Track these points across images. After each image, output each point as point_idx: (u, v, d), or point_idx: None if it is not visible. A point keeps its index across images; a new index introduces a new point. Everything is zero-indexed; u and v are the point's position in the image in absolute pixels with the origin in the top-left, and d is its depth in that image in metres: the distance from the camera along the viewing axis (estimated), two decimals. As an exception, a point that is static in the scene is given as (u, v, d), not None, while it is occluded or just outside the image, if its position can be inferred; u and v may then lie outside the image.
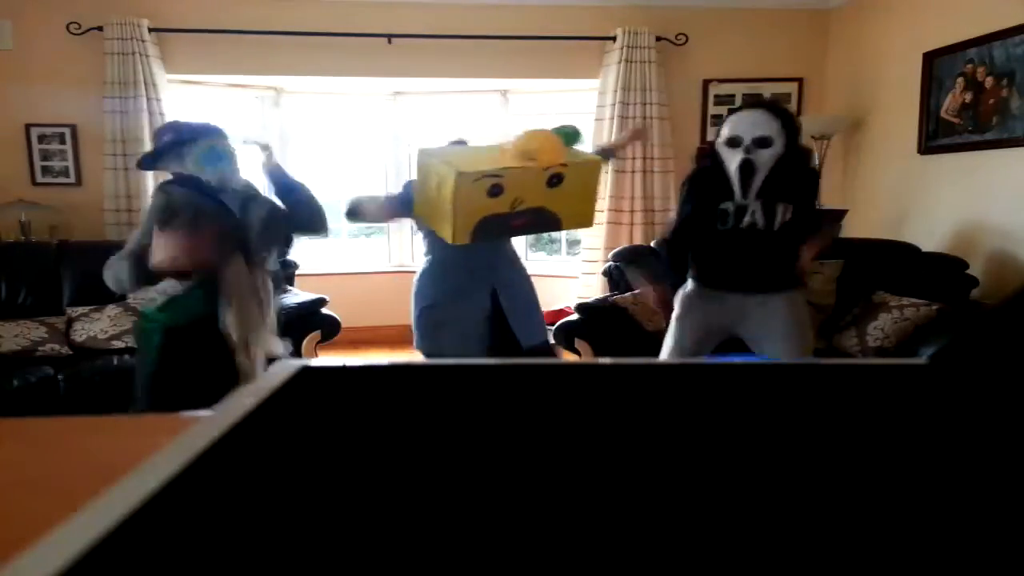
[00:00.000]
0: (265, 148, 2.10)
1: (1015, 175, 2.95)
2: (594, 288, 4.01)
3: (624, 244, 3.96)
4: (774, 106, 2.00)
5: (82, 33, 3.80)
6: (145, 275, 1.84)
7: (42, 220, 3.78)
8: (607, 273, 3.67)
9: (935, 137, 3.39)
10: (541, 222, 2.07)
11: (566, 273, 4.51)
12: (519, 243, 2.64)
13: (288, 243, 2.36)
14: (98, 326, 3.14)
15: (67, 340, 3.12)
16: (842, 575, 0.33)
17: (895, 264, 3.12)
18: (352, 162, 4.89)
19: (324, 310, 3.37)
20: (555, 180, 1.98)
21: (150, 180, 3.84)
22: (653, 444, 0.42)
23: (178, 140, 1.92)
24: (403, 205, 2.29)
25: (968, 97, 3.17)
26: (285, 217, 2.08)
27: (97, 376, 2.88)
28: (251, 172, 2.11)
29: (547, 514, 0.37)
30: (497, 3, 4.10)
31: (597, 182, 2.15)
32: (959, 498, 0.37)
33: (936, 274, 2.99)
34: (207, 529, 0.29)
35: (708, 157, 2.10)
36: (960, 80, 3.21)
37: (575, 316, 3.24)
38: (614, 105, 4.05)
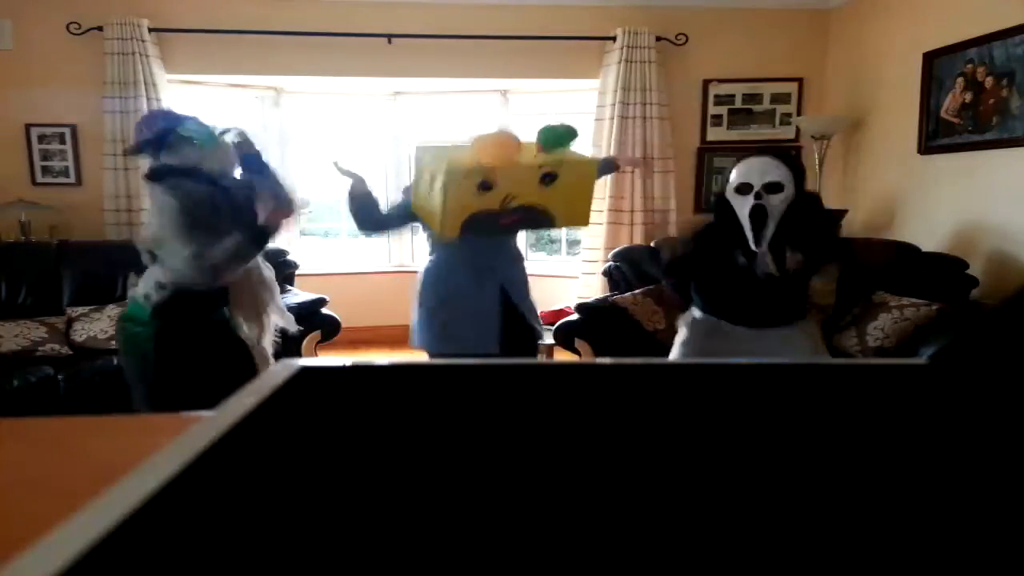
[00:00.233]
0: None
1: (1015, 175, 2.95)
2: (594, 288, 4.01)
3: (624, 244, 3.96)
4: (781, 152, 2.00)
5: (82, 33, 3.80)
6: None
7: (42, 220, 3.78)
8: (607, 273, 3.67)
9: (935, 137, 3.39)
10: (533, 220, 2.07)
11: (566, 273, 4.51)
12: (520, 243, 2.62)
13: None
14: (98, 326, 3.14)
15: (67, 340, 3.12)
16: (842, 574, 0.33)
17: (895, 264, 3.12)
18: (352, 162, 4.88)
19: (324, 310, 3.37)
20: (548, 178, 1.97)
21: (150, 180, 3.84)
22: (653, 444, 0.42)
23: (169, 129, 1.89)
24: (405, 207, 2.29)
25: (968, 97, 3.17)
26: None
27: (97, 376, 2.88)
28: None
29: (547, 513, 0.37)
30: (497, 3, 4.10)
31: (592, 181, 2.14)
32: (959, 497, 0.37)
33: (936, 274, 2.99)
34: (207, 529, 0.29)
35: (715, 210, 2.07)
36: (960, 80, 3.21)
37: (575, 316, 3.24)
38: (614, 105, 4.05)
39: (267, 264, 2.15)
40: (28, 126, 3.89)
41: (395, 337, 4.58)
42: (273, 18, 3.96)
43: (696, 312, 2.13)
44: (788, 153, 2.06)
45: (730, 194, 1.97)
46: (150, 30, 3.82)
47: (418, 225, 2.36)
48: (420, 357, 2.38)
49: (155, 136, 1.88)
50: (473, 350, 2.20)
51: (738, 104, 4.29)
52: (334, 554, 0.33)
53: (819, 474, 0.40)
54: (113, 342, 3.09)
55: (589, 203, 2.17)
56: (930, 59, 3.38)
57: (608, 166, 2.68)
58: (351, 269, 4.76)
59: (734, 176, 1.97)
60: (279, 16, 3.96)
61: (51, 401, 2.76)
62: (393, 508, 0.37)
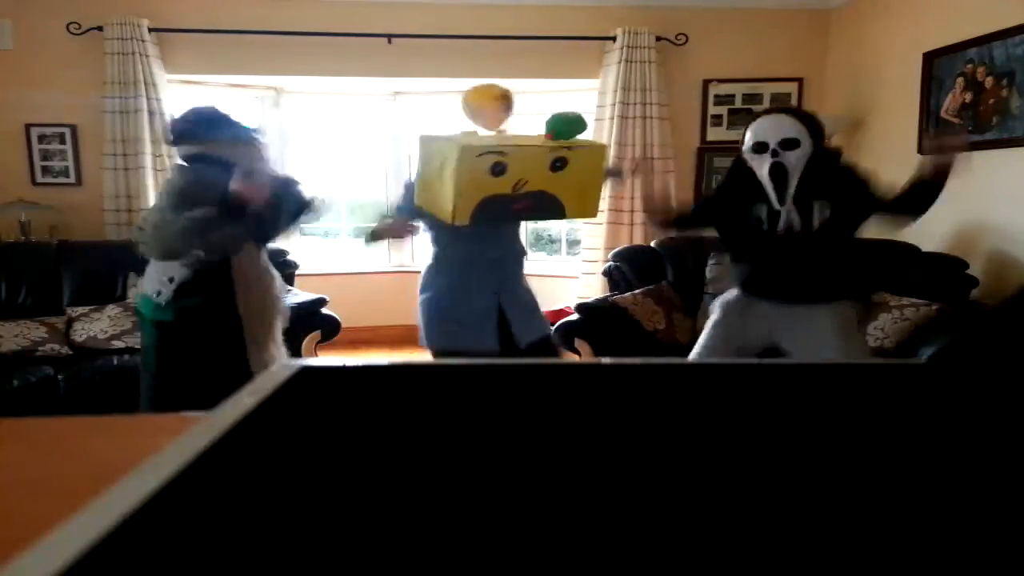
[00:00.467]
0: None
1: (1015, 175, 2.95)
2: (594, 288, 4.01)
3: (624, 244, 3.96)
4: (795, 109, 1.96)
5: (82, 33, 3.80)
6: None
7: (42, 220, 3.78)
8: (607, 273, 3.67)
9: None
10: (544, 207, 2.02)
11: (566, 273, 4.51)
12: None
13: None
14: (98, 326, 3.14)
15: (67, 340, 3.12)
16: (842, 573, 0.33)
17: (895, 264, 3.12)
18: (352, 162, 4.89)
19: (324, 310, 3.37)
20: (559, 163, 1.94)
21: (150, 179, 3.85)
22: (654, 444, 0.42)
23: (204, 122, 1.91)
24: (407, 202, 2.26)
25: (968, 97, 3.17)
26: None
27: (97, 376, 2.88)
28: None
29: (547, 513, 0.37)
30: (497, 3, 4.10)
31: (602, 169, 2.09)
32: (958, 497, 0.37)
33: (936, 274, 2.99)
34: (207, 529, 0.29)
35: (734, 171, 2.04)
36: (960, 80, 3.21)
37: (575, 316, 3.24)
38: (614, 105, 4.05)
39: (282, 294, 2.15)
40: (28, 126, 3.89)
41: (395, 337, 4.58)
42: (273, 18, 3.96)
43: (733, 291, 2.10)
44: (802, 110, 1.99)
45: (747, 155, 1.94)
46: (150, 30, 3.82)
47: (425, 224, 2.31)
48: (420, 357, 2.36)
49: (207, 122, 1.90)
50: (471, 347, 2.19)
51: (738, 104, 4.29)
52: (334, 554, 0.33)
53: (819, 474, 0.40)
54: (113, 342, 3.11)
55: (598, 192, 2.12)
56: (930, 59, 3.38)
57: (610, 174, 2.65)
58: (351, 269, 4.76)
59: (749, 136, 1.93)
60: (279, 16, 3.96)
61: (51, 401, 2.75)
62: (393, 508, 0.37)
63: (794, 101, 4.29)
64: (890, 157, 3.73)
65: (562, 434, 0.42)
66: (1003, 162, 3.00)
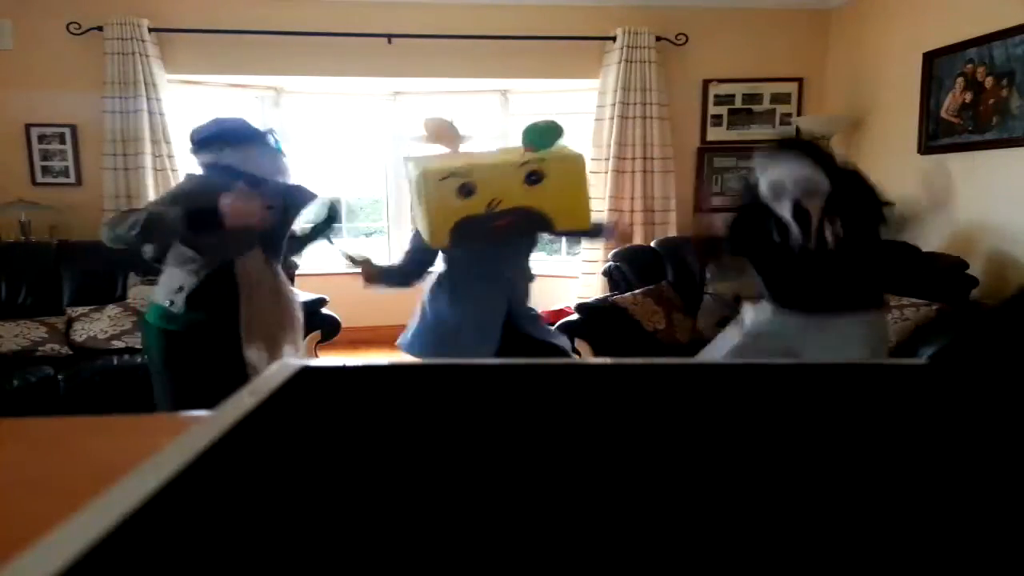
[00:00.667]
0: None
1: (1015, 175, 2.95)
2: (594, 288, 4.01)
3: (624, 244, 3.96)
4: (805, 146, 1.89)
5: (82, 33, 3.80)
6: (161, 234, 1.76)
7: (42, 220, 3.78)
8: (607, 273, 3.67)
9: (935, 137, 3.39)
10: (529, 223, 1.96)
11: (566, 273, 4.51)
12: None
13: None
14: (98, 326, 3.14)
15: (67, 340, 3.12)
16: (842, 573, 0.33)
17: (895, 264, 3.12)
18: (352, 162, 4.89)
19: (324, 310, 3.37)
20: (533, 177, 1.88)
21: (150, 179, 3.85)
22: (654, 443, 0.42)
23: (225, 133, 1.89)
24: (416, 244, 2.20)
25: (968, 97, 3.17)
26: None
27: (97, 376, 2.88)
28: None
29: (547, 512, 0.37)
30: (497, 3, 4.10)
31: (582, 177, 2.03)
32: (958, 497, 0.37)
33: (936, 274, 2.99)
34: (207, 529, 0.29)
35: (738, 213, 2.02)
36: (960, 80, 3.21)
37: (575, 316, 3.24)
38: (614, 105, 4.05)
39: (300, 305, 2.14)
40: (28, 126, 3.89)
41: (395, 337, 4.56)
42: (273, 18, 3.96)
43: (761, 304, 2.09)
44: (812, 145, 1.95)
45: (765, 198, 1.91)
46: (150, 30, 3.82)
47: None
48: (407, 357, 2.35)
49: (228, 132, 1.88)
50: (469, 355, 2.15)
51: (738, 104, 4.29)
52: (334, 554, 0.33)
53: (819, 474, 0.40)
54: (113, 342, 3.11)
55: (584, 201, 2.05)
56: (930, 59, 3.38)
57: (598, 231, 2.46)
58: (351, 269, 4.76)
59: (765, 182, 1.90)
60: (279, 16, 3.96)
61: (51, 401, 2.75)
62: (393, 508, 0.37)
63: (794, 101, 4.29)
64: (890, 157, 3.73)
65: (562, 434, 0.42)
66: (1003, 162, 3.00)
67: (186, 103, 4.11)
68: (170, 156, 3.89)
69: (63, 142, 3.92)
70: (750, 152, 2.11)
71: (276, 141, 1.97)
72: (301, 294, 3.41)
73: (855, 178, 1.96)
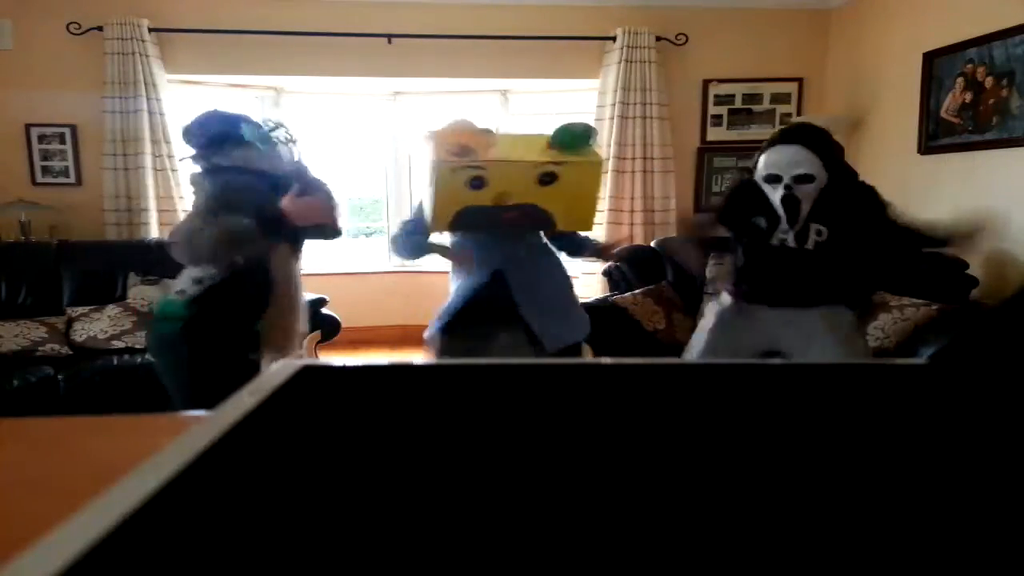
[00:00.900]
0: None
1: (1015, 175, 2.95)
2: (594, 288, 4.01)
3: (624, 244, 3.95)
4: (810, 138, 1.87)
5: (82, 33, 3.80)
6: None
7: (42, 220, 3.78)
8: (607, 273, 3.66)
9: (935, 137, 3.39)
10: (532, 220, 1.96)
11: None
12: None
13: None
14: (98, 326, 3.14)
15: (67, 340, 3.12)
16: (842, 573, 0.33)
17: (895, 264, 3.12)
18: (352, 162, 4.89)
19: (324, 310, 3.37)
20: (548, 178, 1.88)
21: (150, 179, 3.85)
22: (654, 443, 0.42)
23: (222, 132, 1.85)
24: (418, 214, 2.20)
25: (968, 97, 3.17)
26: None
27: (97, 376, 2.88)
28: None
29: (548, 513, 0.37)
30: (497, 3, 4.10)
31: (597, 184, 2.03)
32: (958, 497, 0.37)
33: (936, 274, 2.99)
34: (207, 529, 0.29)
35: (743, 181, 2.03)
36: (960, 80, 3.21)
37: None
38: (614, 105, 4.05)
39: (306, 305, 2.10)
40: (28, 126, 3.89)
41: (395, 337, 4.58)
42: (273, 18, 3.96)
43: (725, 298, 2.10)
44: (817, 135, 1.93)
45: (760, 182, 1.93)
46: (150, 30, 3.82)
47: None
48: (420, 357, 2.34)
49: (211, 139, 1.85)
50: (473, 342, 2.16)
51: (738, 104, 4.29)
52: (335, 554, 0.33)
53: (819, 474, 0.40)
54: (113, 342, 3.11)
55: (593, 207, 2.05)
56: (930, 59, 3.38)
57: (594, 250, 2.45)
58: (351, 269, 4.76)
59: (762, 164, 1.91)
60: (279, 16, 3.96)
61: (51, 401, 2.75)
62: (394, 508, 0.37)
63: (794, 101, 4.29)
64: (890, 157, 3.73)
65: (563, 434, 0.42)
66: (1003, 162, 3.00)
67: (186, 103, 4.11)
68: (170, 156, 3.89)
69: (63, 142, 3.92)
70: (750, 152, 2.11)
71: (262, 129, 1.92)
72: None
73: (863, 187, 1.95)
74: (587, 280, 4.18)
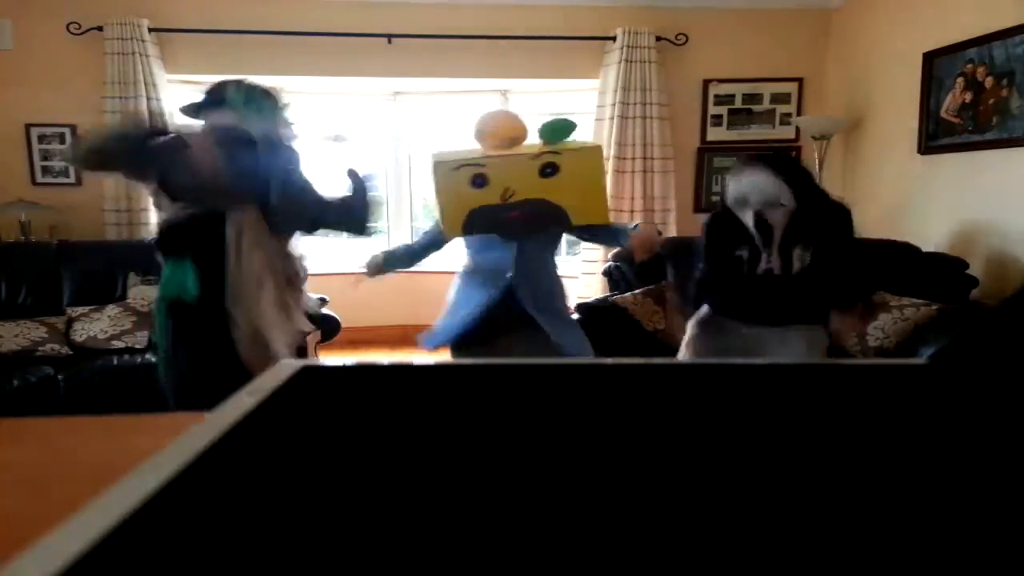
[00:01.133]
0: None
1: (1015, 175, 2.95)
2: (594, 288, 4.01)
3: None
4: (775, 161, 1.89)
5: (82, 33, 3.80)
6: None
7: (42, 220, 3.78)
8: (607, 273, 3.66)
9: (935, 137, 3.39)
10: (544, 215, 1.92)
11: (566, 273, 4.49)
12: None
13: (312, 227, 2.20)
14: (98, 326, 3.14)
15: (67, 340, 3.12)
16: (842, 573, 0.33)
17: (895, 264, 3.12)
18: (352, 162, 4.88)
19: (324, 310, 3.37)
20: (549, 170, 1.86)
21: (150, 180, 3.85)
22: (654, 444, 0.42)
23: (222, 93, 1.85)
24: (432, 238, 2.22)
25: (968, 97, 3.17)
26: (319, 203, 2.03)
27: (97, 376, 2.88)
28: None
29: (548, 513, 0.37)
30: (497, 3, 4.10)
31: (599, 170, 1.98)
32: (959, 498, 0.37)
33: (936, 274, 2.99)
34: (207, 529, 0.29)
35: (720, 211, 2.04)
36: (960, 80, 3.21)
37: (575, 316, 3.24)
38: (614, 105, 4.05)
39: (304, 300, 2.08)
40: (28, 126, 3.89)
41: (395, 337, 4.58)
42: (273, 18, 3.96)
43: (705, 309, 2.12)
44: (785, 160, 1.97)
45: (731, 205, 1.95)
46: (150, 30, 3.82)
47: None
48: (420, 357, 2.33)
49: (198, 103, 1.87)
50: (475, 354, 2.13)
51: (738, 104, 4.29)
52: (335, 555, 0.33)
53: (819, 474, 0.40)
54: (113, 342, 3.11)
55: (602, 194, 2.00)
56: (930, 59, 3.38)
57: (616, 234, 2.33)
58: (351, 269, 4.76)
59: (731, 190, 1.93)
60: (279, 16, 3.96)
61: (51, 401, 2.76)
62: (394, 508, 0.37)
63: (794, 101, 4.29)
64: (890, 157, 3.74)
65: (563, 434, 0.42)
66: (1003, 162, 3.00)
67: (186, 103, 4.10)
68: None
69: (63, 142, 3.92)
70: (745, 164, 2.11)
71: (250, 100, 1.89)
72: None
73: (838, 209, 1.97)
74: (587, 280, 4.18)
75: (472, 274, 2.21)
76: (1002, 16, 2.94)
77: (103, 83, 3.77)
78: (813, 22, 4.25)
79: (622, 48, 4.00)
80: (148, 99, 3.81)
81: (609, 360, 0.45)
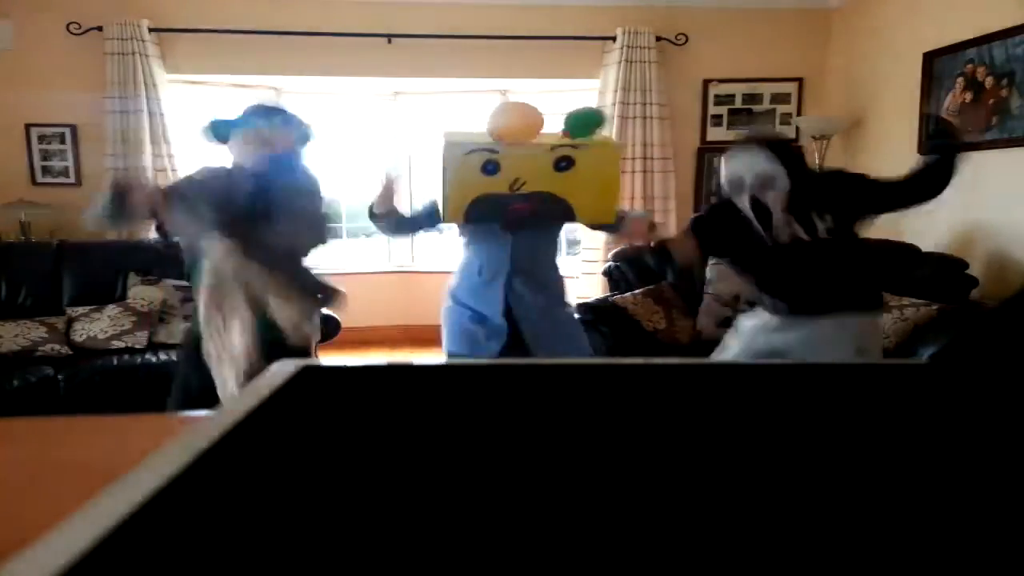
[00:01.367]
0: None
1: (1015, 175, 2.95)
2: (594, 288, 4.01)
3: (624, 244, 3.95)
4: (768, 141, 1.87)
5: (82, 33, 3.80)
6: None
7: (42, 220, 3.78)
8: (607, 273, 3.66)
9: (935, 137, 3.39)
10: (550, 210, 1.87)
11: (566, 273, 4.49)
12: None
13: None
14: (98, 326, 3.14)
15: (67, 340, 3.12)
16: (844, 574, 0.33)
17: (895, 264, 3.12)
18: (352, 162, 4.88)
19: (324, 310, 3.37)
20: (564, 163, 1.80)
21: (150, 179, 3.85)
22: (654, 444, 0.42)
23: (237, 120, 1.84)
24: (427, 211, 2.17)
25: (968, 97, 3.17)
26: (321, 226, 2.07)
27: (97, 376, 2.88)
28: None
29: (548, 513, 0.37)
30: (497, 3, 4.10)
31: (616, 169, 1.92)
32: (959, 497, 0.37)
33: (936, 274, 2.99)
34: (207, 529, 0.29)
35: (718, 208, 2.02)
36: (960, 80, 3.21)
37: (576, 316, 3.24)
38: (614, 105, 4.06)
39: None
40: (28, 126, 3.89)
41: (395, 337, 4.58)
42: (273, 18, 3.96)
43: (750, 314, 2.07)
44: (778, 140, 1.93)
45: (726, 188, 1.93)
46: (150, 30, 3.82)
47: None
48: (420, 357, 2.33)
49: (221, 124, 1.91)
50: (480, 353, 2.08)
51: (738, 104, 4.29)
52: (335, 555, 0.33)
53: (819, 474, 0.40)
54: (113, 342, 3.11)
55: (614, 196, 1.94)
56: (930, 59, 3.38)
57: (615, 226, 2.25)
58: (351, 269, 4.76)
59: (726, 171, 1.89)
60: (279, 16, 3.96)
61: (51, 401, 2.76)
62: (394, 508, 0.37)
63: (794, 101, 4.29)
64: (890, 157, 3.73)
65: (563, 434, 0.42)
66: (1003, 162, 3.00)
67: (186, 103, 4.11)
68: (170, 156, 3.89)
69: (63, 142, 3.92)
70: (737, 145, 2.09)
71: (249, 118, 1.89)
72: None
73: (833, 176, 1.96)
74: (587, 280, 4.18)
75: (475, 268, 2.15)
76: (1002, 16, 2.94)
77: (103, 83, 3.78)
78: (813, 22, 4.25)
79: (622, 48, 4.00)
80: (148, 99, 3.81)
81: (609, 360, 0.45)
